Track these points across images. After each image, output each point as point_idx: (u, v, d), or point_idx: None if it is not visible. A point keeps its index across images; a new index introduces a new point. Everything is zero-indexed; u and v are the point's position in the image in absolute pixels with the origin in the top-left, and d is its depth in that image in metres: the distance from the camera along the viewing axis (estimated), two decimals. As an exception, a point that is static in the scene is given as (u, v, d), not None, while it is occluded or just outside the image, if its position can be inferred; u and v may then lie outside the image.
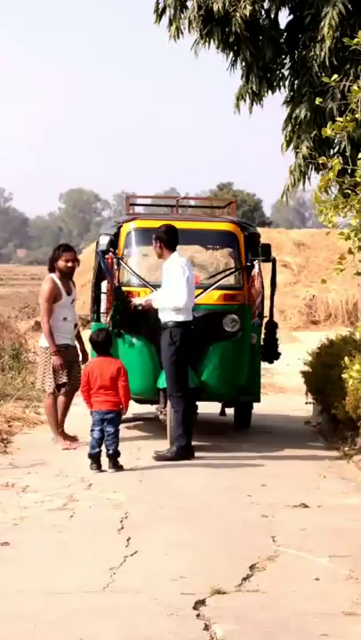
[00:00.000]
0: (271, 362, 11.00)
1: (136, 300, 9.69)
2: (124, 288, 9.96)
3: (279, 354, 10.99)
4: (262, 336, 10.88)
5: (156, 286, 9.79)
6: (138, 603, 4.97)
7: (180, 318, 9.02)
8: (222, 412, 11.07)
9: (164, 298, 9.16)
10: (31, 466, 8.61)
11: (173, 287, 9.05)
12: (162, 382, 9.57)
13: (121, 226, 10.39)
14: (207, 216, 11.77)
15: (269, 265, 10.93)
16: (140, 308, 9.62)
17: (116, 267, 10.12)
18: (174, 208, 11.86)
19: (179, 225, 10.36)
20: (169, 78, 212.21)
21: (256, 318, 10.49)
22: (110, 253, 10.14)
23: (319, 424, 11.27)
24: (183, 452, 8.94)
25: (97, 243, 10.51)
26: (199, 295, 9.60)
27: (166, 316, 9.10)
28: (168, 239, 9.29)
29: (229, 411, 11.04)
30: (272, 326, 10.94)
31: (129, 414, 11.25)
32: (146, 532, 6.40)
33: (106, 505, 7.19)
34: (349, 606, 4.95)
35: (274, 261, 10.91)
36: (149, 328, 9.60)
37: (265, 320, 10.99)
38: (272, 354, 10.91)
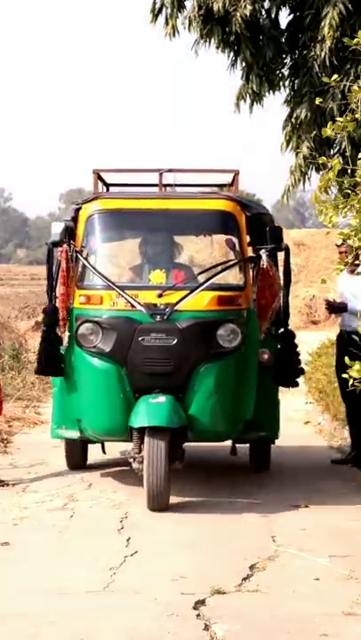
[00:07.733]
0: (288, 385, 8.12)
1: (330, 297, 8.98)
2: (84, 292, 7.49)
3: (301, 372, 8.18)
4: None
5: (123, 288, 7.34)
6: (138, 603, 4.97)
7: None
8: (233, 451, 8.29)
9: None
10: (31, 466, 8.61)
11: None
12: (135, 419, 7.09)
13: (80, 208, 7.81)
14: (197, 192, 8.65)
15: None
16: (328, 306, 8.56)
17: (72, 263, 7.65)
18: (164, 187, 8.80)
19: (159, 204, 7.88)
20: (169, 78, 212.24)
21: (269, 327, 7.94)
22: (65, 245, 7.64)
23: (319, 424, 11.25)
24: None
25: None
26: (184, 298, 7.26)
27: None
28: None
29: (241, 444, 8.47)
30: (287, 336, 7.97)
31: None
32: (146, 532, 6.40)
33: (106, 505, 7.19)
34: (349, 606, 4.95)
35: (287, 250, 8.03)
36: (117, 346, 7.19)
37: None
38: (289, 374, 7.99)
